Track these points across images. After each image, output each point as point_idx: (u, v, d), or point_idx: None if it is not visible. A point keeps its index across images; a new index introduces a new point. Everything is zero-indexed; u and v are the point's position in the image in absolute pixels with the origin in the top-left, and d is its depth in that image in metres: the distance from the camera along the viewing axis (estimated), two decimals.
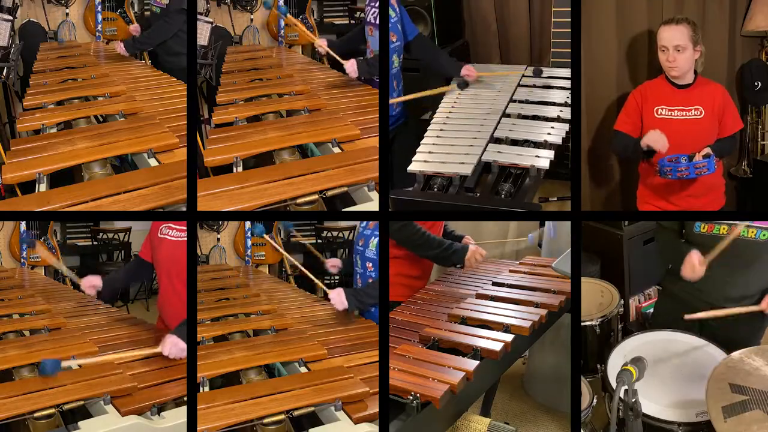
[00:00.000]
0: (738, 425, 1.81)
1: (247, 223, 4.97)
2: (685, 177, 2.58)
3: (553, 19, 3.27)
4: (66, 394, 2.06)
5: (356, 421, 2.02)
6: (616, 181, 3.26)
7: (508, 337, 2.28)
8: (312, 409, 2.06)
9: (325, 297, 2.83)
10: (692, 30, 2.60)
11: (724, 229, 2.38)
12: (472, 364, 2.06)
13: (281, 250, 3.48)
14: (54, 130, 2.68)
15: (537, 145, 2.61)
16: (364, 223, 2.91)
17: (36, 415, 1.97)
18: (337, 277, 4.32)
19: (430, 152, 2.61)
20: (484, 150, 2.57)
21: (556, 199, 3.26)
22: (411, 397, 1.87)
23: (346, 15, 4.79)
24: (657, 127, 2.64)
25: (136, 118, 2.78)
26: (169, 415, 2.11)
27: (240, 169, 2.41)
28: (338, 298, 2.72)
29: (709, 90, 2.69)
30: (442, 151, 2.61)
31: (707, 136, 2.67)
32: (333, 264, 3.22)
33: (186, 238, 2.52)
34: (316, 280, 3.03)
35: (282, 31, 4.45)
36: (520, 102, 2.90)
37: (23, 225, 4.63)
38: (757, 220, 2.35)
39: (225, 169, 2.43)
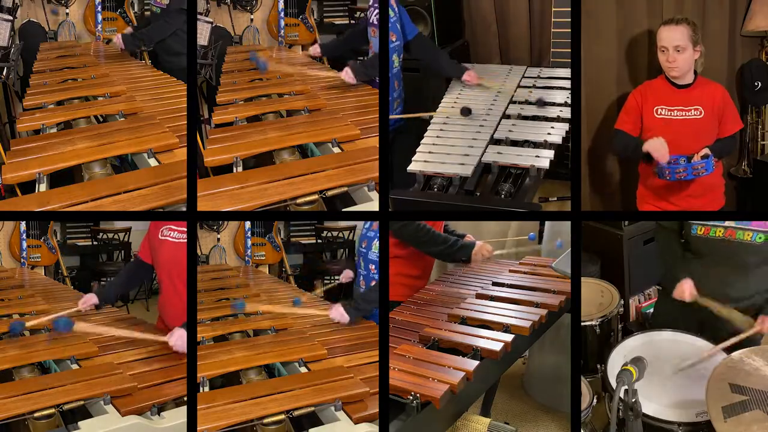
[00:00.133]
0: (738, 425, 1.81)
1: (247, 226, 4.98)
2: (684, 178, 2.58)
3: (553, 19, 3.28)
4: (66, 394, 2.06)
5: (356, 421, 2.02)
6: (616, 181, 3.26)
7: (508, 337, 2.28)
8: (312, 409, 2.06)
9: (326, 297, 2.84)
10: (692, 30, 2.60)
11: (719, 231, 2.39)
12: (472, 364, 2.06)
13: None
14: (54, 130, 2.67)
15: (537, 145, 2.61)
16: (367, 224, 2.91)
17: (36, 415, 1.97)
18: (337, 278, 4.32)
19: (430, 152, 2.61)
20: (484, 151, 2.57)
21: (556, 199, 3.26)
22: (411, 397, 1.86)
23: (346, 15, 4.78)
24: (657, 127, 2.64)
25: (136, 118, 2.78)
26: (169, 415, 2.11)
27: (240, 169, 2.41)
28: (338, 313, 2.73)
29: (708, 90, 2.69)
30: (442, 151, 2.62)
31: (707, 136, 2.67)
32: (347, 276, 3.28)
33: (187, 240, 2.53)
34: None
35: (282, 31, 4.45)
36: (520, 103, 2.90)
37: (23, 225, 4.63)
38: (756, 221, 2.35)
39: (225, 169, 2.43)
